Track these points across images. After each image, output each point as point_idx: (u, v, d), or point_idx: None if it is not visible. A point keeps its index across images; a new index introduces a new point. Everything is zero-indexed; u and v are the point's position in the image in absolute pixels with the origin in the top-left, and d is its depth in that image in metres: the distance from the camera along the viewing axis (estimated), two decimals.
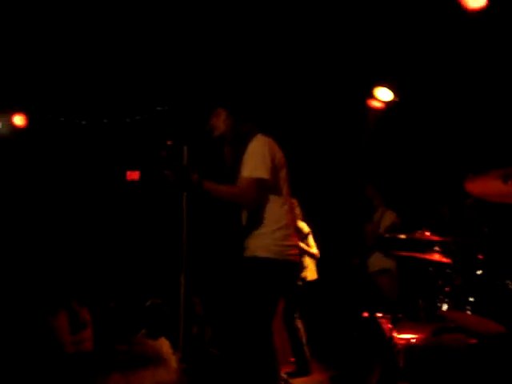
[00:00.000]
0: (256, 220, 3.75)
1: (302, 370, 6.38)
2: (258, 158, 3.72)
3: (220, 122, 3.96)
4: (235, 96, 4.25)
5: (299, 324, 6.43)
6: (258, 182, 3.66)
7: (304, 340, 6.43)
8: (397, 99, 7.13)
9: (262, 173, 3.68)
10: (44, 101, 8.09)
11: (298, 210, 6.54)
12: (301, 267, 6.43)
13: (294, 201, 6.50)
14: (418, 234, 4.29)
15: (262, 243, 3.69)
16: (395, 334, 3.67)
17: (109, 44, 7.10)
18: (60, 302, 5.48)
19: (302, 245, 6.37)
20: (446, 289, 3.69)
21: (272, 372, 3.65)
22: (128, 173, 9.14)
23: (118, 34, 6.98)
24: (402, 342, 3.63)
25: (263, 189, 3.70)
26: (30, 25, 6.68)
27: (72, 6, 6.52)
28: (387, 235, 4.75)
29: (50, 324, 5.21)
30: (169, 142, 3.83)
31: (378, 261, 6.20)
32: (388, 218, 6.22)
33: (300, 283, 6.45)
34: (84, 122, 8.22)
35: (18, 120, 8.13)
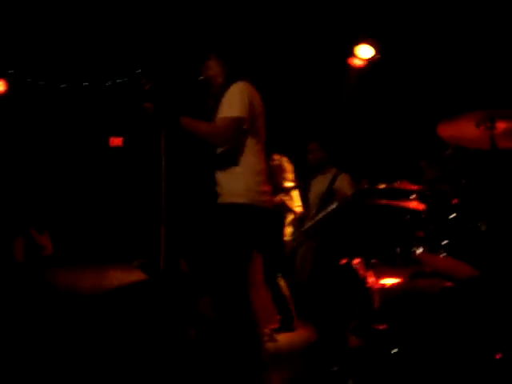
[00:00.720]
0: (230, 162, 3.76)
1: (286, 326, 6.43)
2: (235, 99, 3.74)
3: (216, 70, 3.96)
4: (227, 43, 4.24)
5: (281, 281, 6.44)
6: (235, 121, 3.68)
7: (287, 296, 6.45)
8: (377, 56, 7.14)
9: (239, 112, 3.69)
10: (23, 65, 8.02)
11: (288, 166, 6.52)
12: (284, 223, 6.45)
13: (285, 158, 6.53)
14: (396, 184, 4.34)
15: (235, 187, 3.71)
16: (371, 279, 3.73)
17: (89, 5, 7.03)
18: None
19: (288, 202, 6.38)
20: (421, 234, 3.74)
21: (252, 325, 3.67)
22: (111, 139, 9.13)
23: None
24: (377, 285, 3.70)
25: (239, 128, 3.71)
26: None
27: None
28: (366, 186, 4.78)
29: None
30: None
31: None
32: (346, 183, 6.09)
33: (282, 239, 6.44)
34: (64, 86, 8.15)
35: None
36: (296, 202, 6.48)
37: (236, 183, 3.73)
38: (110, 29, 7.34)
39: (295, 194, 6.53)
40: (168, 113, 3.67)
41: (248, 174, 3.73)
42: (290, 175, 6.51)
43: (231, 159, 3.75)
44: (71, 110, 8.38)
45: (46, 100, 8.32)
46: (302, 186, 6.44)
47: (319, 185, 6.21)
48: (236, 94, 3.75)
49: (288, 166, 6.52)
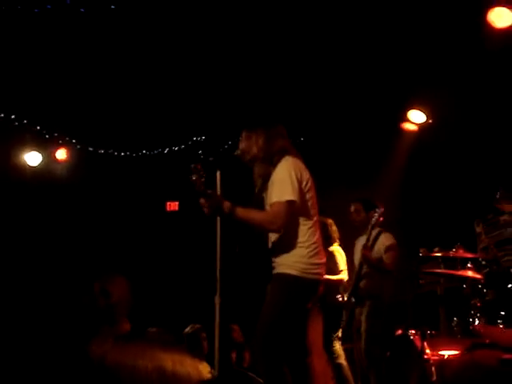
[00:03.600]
0: (283, 241, 3.82)
1: None
2: (285, 182, 3.77)
3: (251, 144, 4.02)
4: (267, 115, 4.32)
5: (337, 345, 6.33)
6: (287, 205, 3.73)
7: (344, 364, 6.32)
8: (430, 121, 7.16)
9: (290, 195, 3.74)
10: (84, 134, 8.36)
11: (334, 229, 6.49)
12: (336, 288, 6.39)
13: (330, 221, 6.50)
14: (452, 252, 4.31)
15: (286, 261, 3.76)
16: (428, 350, 3.67)
17: (145, 78, 7.32)
18: None
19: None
20: (479, 304, 3.68)
21: None
22: (168, 203, 9.35)
23: (155, 69, 7.20)
24: (435, 357, 3.63)
25: (292, 211, 3.76)
26: (68, 63, 6.96)
27: (110, 45, 6.79)
28: (423, 254, 4.73)
29: None
30: (198, 166, 3.91)
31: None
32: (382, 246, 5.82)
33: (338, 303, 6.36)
34: (123, 154, 8.45)
35: (60, 154, 8.44)
36: (342, 269, 6.41)
37: (286, 256, 3.78)
38: (167, 101, 7.60)
39: (339, 259, 6.47)
40: (221, 208, 3.74)
41: (298, 248, 3.78)
42: (336, 239, 6.49)
43: (283, 236, 3.81)
44: (130, 176, 8.63)
45: (106, 167, 8.60)
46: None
47: (360, 245, 6.11)
48: (285, 175, 3.78)
49: (333, 230, 6.50)
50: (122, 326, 2.34)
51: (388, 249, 5.76)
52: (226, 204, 3.74)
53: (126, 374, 1.56)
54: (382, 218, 5.66)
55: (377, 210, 5.69)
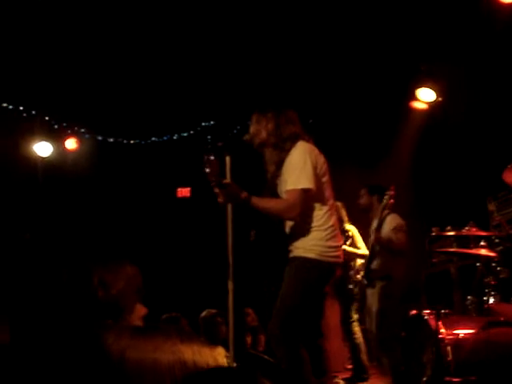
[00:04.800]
0: (300, 225, 3.82)
1: (359, 376, 6.31)
2: (300, 169, 3.76)
3: (261, 128, 4.00)
4: (278, 99, 4.29)
5: (356, 328, 6.35)
6: (303, 193, 3.72)
7: (361, 345, 6.33)
8: (440, 99, 7.10)
9: (306, 183, 3.73)
10: (93, 123, 8.37)
11: (344, 213, 6.51)
12: (350, 270, 6.40)
13: (340, 204, 6.49)
14: (465, 231, 4.28)
15: (303, 244, 3.76)
16: (443, 330, 3.66)
17: (152, 65, 7.31)
18: None
19: (349, 249, 6.33)
20: (493, 282, 3.66)
21: (300, 375, 3.68)
22: (179, 189, 9.35)
23: (162, 56, 7.18)
24: (450, 337, 3.62)
25: (308, 198, 3.76)
26: (76, 52, 6.95)
27: (120, 36, 6.79)
28: (435, 233, 4.71)
29: None
30: (211, 157, 3.87)
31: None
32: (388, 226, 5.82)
33: (351, 286, 6.39)
34: (132, 142, 8.46)
35: (70, 144, 8.46)
36: (361, 249, 6.42)
37: (304, 239, 3.79)
38: (175, 87, 7.58)
39: (358, 239, 6.48)
40: (238, 197, 3.74)
41: (315, 231, 3.78)
42: (346, 221, 6.49)
43: (300, 222, 3.81)
44: (140, 163, 8.64)
45: (116, 155, 8.61)
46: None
47: (373, 229, 6.10)
48: (301, 161, 3.77)
49: (343, 213, 6.50)
50: (135, 314, 2.30)
51: (396, 229, 5.76)
52: (243, 194, 3.74)
53: (148, 370, 1.55)
54: (392, 201, 5.64)
55: (387, 192, 5.68)
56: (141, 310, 2.32)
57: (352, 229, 6.57)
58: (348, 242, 6.37)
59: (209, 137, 8.08)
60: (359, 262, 6.49)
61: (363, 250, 6.44)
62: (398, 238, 5.70)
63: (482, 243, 4.08)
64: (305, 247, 3.77)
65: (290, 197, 3.74)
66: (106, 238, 8.19)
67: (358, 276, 6.41)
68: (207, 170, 3.70)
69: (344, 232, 6.31)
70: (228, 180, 3.91)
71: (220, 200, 3.82)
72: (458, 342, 3.57)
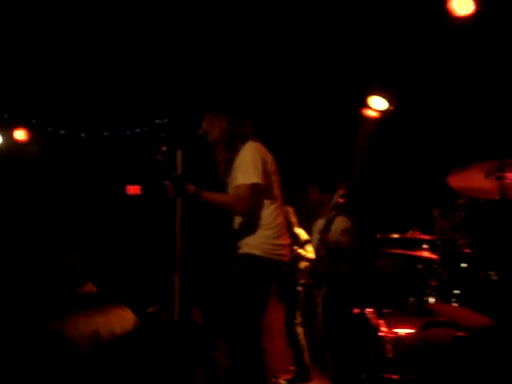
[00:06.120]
0: (248, 222, 3.87)
1: (301, 377, 6.37)
2: (249, 164, 3.83)
3: (214, 127, 4.05)
4: (231, 98, 4.34)
5: (299, 329, 6.41)
6: (252, 188, 3.78)
7: (304, 346, 6.40)
8: (391, 107, 7.23)
9: (255, 178, 3.79)
10: (44, 114, 8.23)
11: (294, 218, 6.59)
12: (298, 273, 6.46)
13: (290, 209, 6.55)
14: (409, 234, 4.41)
15: (250, 241, 3.82)
16: (384, 328, 3.75)
17: (108, 57, 7.24)
18: None
19: (300, 251, 6.41)
20: (434, 283, 3.77)
21: (258, 371, 3.71)
22: (128, 187, 9.26)
23: (117, 48, 7.12)
24: (390, 335, 3.71)
25: (256, 193, 3.80)
26: (29, 38, 6.83)
27: (72, 20, 6.68)
28: (380, 236, 4.81)
29: None
30: (163, 147, 3.93)
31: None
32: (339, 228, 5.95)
33: (300, 289, 6.44)
34: (83, 135, 8.36)
35: (19, 135, 8.30)
36: (310, 253, 6.48)
37: (252, 236, 3.86)
38: (130, 82, 7.53)
39: (309, 245, 6.55)
40: (185, 190, 3.79)
41: (263, 229, 3.85)
42: (295, 225, 6.58)
43: (248, 218, 3.87)
44: (91, 158, 8.54)
45: (67, 148, 8.49)
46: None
47: (317, 228, 6.17)
48: (249, 158, 3.85)
49: (294, 218, 6.58)
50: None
51: (344, 231, 5.86)
52: (191, 186, 3.79)
53: (85, 345, 1.56)
54: (342, 200, 5.72)
55: (337, 191, 5.76)
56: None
57: (301, 233, 6.64)
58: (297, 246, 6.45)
59: (162, 134, 8.05)
60: (304, 263, 6.56)
61: (312, 254, 6.52)
62: (345, 240, 5.81)
63: (425, 246, 4.21)
64: (252, 244, 3.83)
65: (240, 191, 3.79)
66: (54, 231, 8.08)
67: (304, 280, 6.49)
68: (158, 159, 3.75)
69: (294, 236, 6.39)
70: (179, 173, 3.95)
71: (169, 193, 3.86)
72: (397, 341, 3.67)
